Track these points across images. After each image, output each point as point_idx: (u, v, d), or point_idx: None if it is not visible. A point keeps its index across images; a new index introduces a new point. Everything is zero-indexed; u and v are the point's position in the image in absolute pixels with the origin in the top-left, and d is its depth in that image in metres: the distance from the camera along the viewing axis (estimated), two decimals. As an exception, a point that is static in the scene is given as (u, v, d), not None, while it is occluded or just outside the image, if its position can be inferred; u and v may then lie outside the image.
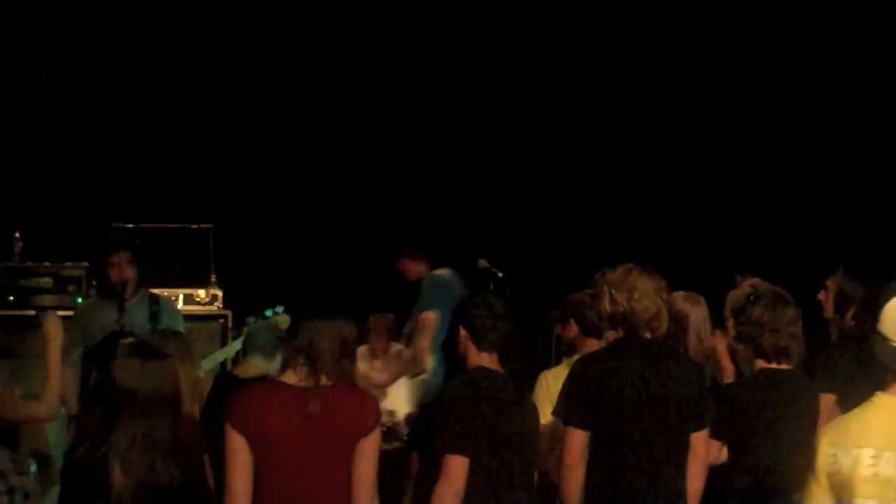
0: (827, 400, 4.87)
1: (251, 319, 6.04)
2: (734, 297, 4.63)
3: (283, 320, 5.63)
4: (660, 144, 9.33)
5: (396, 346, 7.36)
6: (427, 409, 6.26)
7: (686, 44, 9.10)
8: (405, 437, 6.48)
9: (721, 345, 5.12)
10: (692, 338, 4.99)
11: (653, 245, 7.60)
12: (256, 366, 5.40)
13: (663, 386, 4.10)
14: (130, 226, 7.82)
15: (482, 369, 4.39)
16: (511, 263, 7.51)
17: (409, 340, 6.98)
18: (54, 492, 4.48)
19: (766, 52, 9.00)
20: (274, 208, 9.34)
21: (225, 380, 5.46)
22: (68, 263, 7.72)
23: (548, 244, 9.36)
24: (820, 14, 8.68)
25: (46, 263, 7.75)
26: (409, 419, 6.72)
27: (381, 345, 7.60)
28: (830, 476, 3.06)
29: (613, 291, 4.17)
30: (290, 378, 3.74)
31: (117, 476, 3.70)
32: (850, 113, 8.75)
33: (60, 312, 5.12)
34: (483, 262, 6.98)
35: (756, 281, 6.92)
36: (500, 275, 6.82)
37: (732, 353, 4.90)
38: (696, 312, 5.05)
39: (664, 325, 4.21)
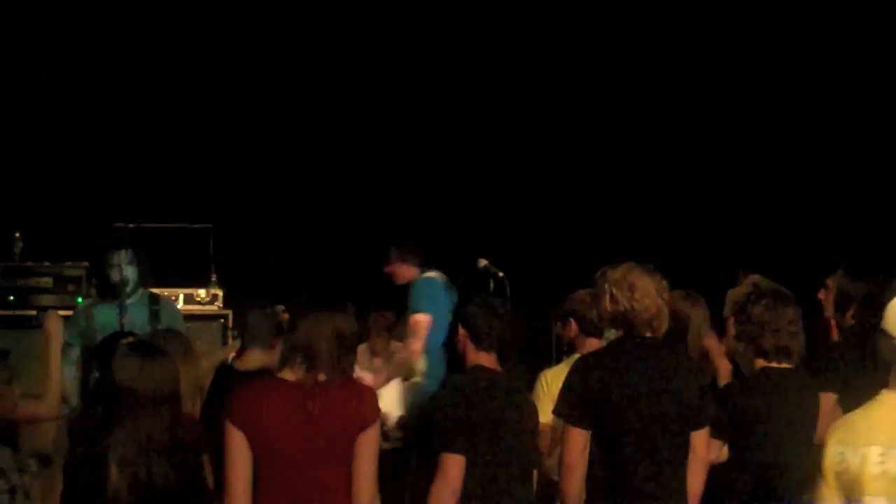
0: (828, 399, 4.87)
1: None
2: (734, 296, 4.63)
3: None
4: (660, 143, 9.33)
5: (397, 345, 7.37)
6: (425, 409, 6.29)
7: (687, 43, 9.10)
8: (399, 439, 6.50)
9: (714, 344, 5.12)
10: (693, 338, 4.99)
11: (653, 244, 7.60)
12: (256, 358, 5.40)
13: (663, 385, 4.09)
14: (131, 226, 7.81)
15: (480, 368, 4.40)
16: (511, 263, 7.52)
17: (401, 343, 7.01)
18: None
19: (767, 51, 8.99)
20: (274, 208, 9.34)
21: (226, 373, 5.45)
22: (68, 263, 7.71)
23: (548, 244, 9.36)
24: (820, 13, 8.68)
25: (46, 263, 7.74)
26: (401, 422, 6.73)
27: (382, 343, 7.61)
28: (839, 475, 3.07)
29: (614, 290, 4.16)
30: (289, 375, 3.74)
31: (114, 475, 3.71)
32: (851, 112, 8.75)
33: (60, 312, 5.12)
34: (483, 262, 6.99)
35: (757, 278, 6.93)
36: (501, 274, 6.83)
37: (731, 353, 4.90)
38: (697, 312, 5.04)
39: (665, 324, 4.21)
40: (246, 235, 9.28)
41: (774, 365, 4.46)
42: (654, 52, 9.16)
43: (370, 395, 3.84)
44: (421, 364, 6.68)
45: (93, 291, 7.29)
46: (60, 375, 4.77)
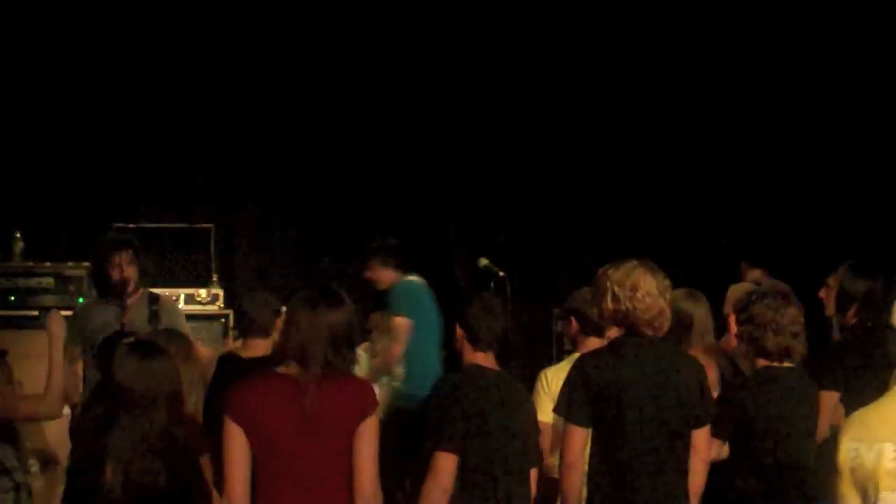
0: (830, 398, 4.87)
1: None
2: (736, 295, 4.63)
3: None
4: (661, 141, 9.31)
5: (377, 348, 7.38)
6: (403, 411, 6.32)
7: (689, 41, 9.09)
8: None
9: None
10: (695, 337, 4.98)
11: (655, 241, 7.59)
12: (258, 345, 5.40)
13: (664, 383, 4.09)
14: (131, 226, 7.81)
15: (476, 367, 4.40)
16: (512, 262, 7.52)
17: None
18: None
19: (769, 49, 8.98)
20: (274, 208, 9.34)
21: (229, 361, 5.45)
22: (70, 263, 7.70)
23: (549, 242, 9.35)
24: (821, 12, 8.67)
25: (48, 263, 7.73)
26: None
27: (382, 342, 7.59)
28: (854, 471, 3.06)
29: (616, 290, 4.14)
30: (286, 369, 3.74)
31: (109, 474, 3.71)
32: (853, 110, 8.74)
33: (62, 312, 5.12)
34: (484, 261, 7.00)
35: (759, 273, 6.92)
36: (501, 274, 6.83)
37: (732, 350, 4.90)
38: (700, 311, 5.04)
39: (666, 324, 4.20)
40: (246, 236, 9.29)
41: (775, 364, 4.46)
42: (659, 48, 9.15)
43: (367, 387, 3.84)
44: (399, 368, 6.73)
45: (93, 291, 7.31)
46: (61, 375, 4.76)
